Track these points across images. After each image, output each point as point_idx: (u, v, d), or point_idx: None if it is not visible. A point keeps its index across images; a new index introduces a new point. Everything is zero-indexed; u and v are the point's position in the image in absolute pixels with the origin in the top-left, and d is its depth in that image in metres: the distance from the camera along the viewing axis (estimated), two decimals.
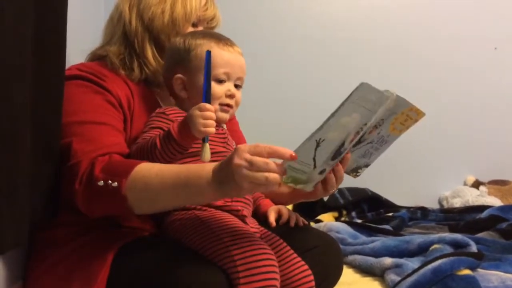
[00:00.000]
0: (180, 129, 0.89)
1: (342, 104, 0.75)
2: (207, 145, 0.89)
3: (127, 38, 1.10)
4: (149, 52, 1.10)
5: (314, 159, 0.78)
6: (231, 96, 1.01)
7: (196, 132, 0.88)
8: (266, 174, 0.72)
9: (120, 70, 1.07)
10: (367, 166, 1.02)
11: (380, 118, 0.89)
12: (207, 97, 0.91)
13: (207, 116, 0.88)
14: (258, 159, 0.72)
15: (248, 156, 0.73)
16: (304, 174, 0.79)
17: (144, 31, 1.10)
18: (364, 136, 0.92)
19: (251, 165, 0.72)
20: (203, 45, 1.00)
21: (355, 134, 0.81)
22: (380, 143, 0.97)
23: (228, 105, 1.01)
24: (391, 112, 0.89)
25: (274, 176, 0.73)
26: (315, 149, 0.77)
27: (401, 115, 0.92)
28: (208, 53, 0.91)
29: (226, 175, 0.76)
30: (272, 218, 1.08)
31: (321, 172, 0.82)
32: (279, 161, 0.75)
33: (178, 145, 0.89)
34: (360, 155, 0.98)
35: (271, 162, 0.73)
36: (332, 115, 0.76)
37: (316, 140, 0.76)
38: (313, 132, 0.76)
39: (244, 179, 0.73)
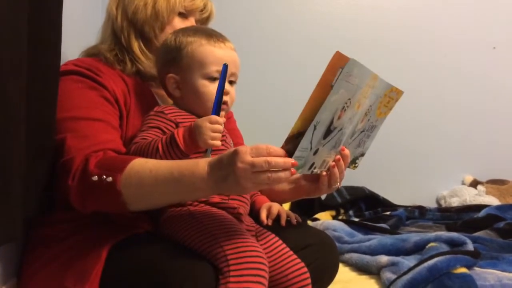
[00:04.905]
0: (185, 137, 0.89)
1: (334, 83, 0.76)
2: (210, 155, 0.90)
3: (115, 35, 1.12)
4: (136, 46, 1.10)
5: (311, 142, 0.79)
6: (224, 93, 1.00)
7: (203, 144, 0.89)
8: (269, 174, 0.74)
9: (115, 64, 1.08)
10: (363, 155, 1.04)
11: (369, 104, 0.91)
12: (218, 109, 0.91)
13: (216, 129, 0.88)
14: (260, 160, 0.74)
15: (250, 158, 0.74)
16: (302, 159, 0.80)
17: (129, 25, 1.10)
18: (358, 126, 0.93)
19: (254, 167, 0.74)
20: (194, 43, 0.99)
21: (341, 111, 0.82)
22: (371, 129, 1.00)
23: (223, 103, 1.01)
24: (376, 96, 0.92)
25: (277, 175, 0.75)
26: (313, 133, 0.78)
27: (384, 97, 0.95)
28: (225, 66, 0.91)
29: (226, 175, 0.77)
30: (263, 215, 1.08)
31: (315, 153, 0.83)
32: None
33: (181, 152, 0.89)
34: (356, 145, 1.00)
35: (273, 160, 0.74)
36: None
37: (314, 125, 0.77)
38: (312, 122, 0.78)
39: (249, 181, 0.75)
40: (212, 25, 1.21)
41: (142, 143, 0.92)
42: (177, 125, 0.97)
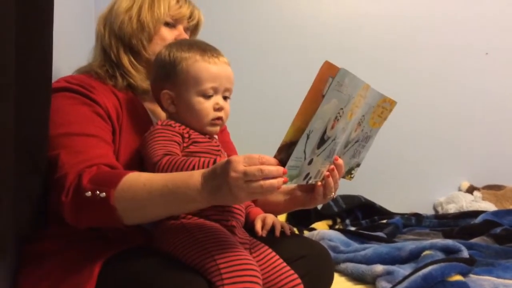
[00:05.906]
0: None
1: (326, 93, 0.77)
2: None
3: (105, 52, 1.13)
4: (126, 61, 1.11)
5: (304, 152, 0.79)
6: (219, 109, 1.01)
7: None
8: (262, 182, 0.75)
9: (107, 80, 1.09)
10: (358, 165, 1.05)
11: (361, 114, 0.92)
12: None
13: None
14: (253, 169, 0.74)
15: (243, 167, 0.75)
16: (297, 168, 0.80)
17: (116, 41, 1.11)
18: (351, 135, 0.94)
19: (247, 176, 0.74)
20: (189, 59, 1.00)
21: (334, 120, 0.83)
22: (366, 140, 1.01)
23: (218, 118, 1.02)
24: (369, 106, 0.92)
25: (270, 182, 0.75)
26: (306, 142, 0.78)
27: (377, 107, 0.96)
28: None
29: (220, 185, 0.77)
30: (258, 226, 1.08)
31: (309, 163, 0.83)
32: None
33: None
34: (351, 156, 1.00)
35: (266, 168, 0.75)
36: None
37: (307, 134, 0.77)
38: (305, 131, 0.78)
39: (242, 190, 0.75)
40: (200, 33, 1.22)
41: (176, 159, 0.90)
42: (183, 137, 0.98)
